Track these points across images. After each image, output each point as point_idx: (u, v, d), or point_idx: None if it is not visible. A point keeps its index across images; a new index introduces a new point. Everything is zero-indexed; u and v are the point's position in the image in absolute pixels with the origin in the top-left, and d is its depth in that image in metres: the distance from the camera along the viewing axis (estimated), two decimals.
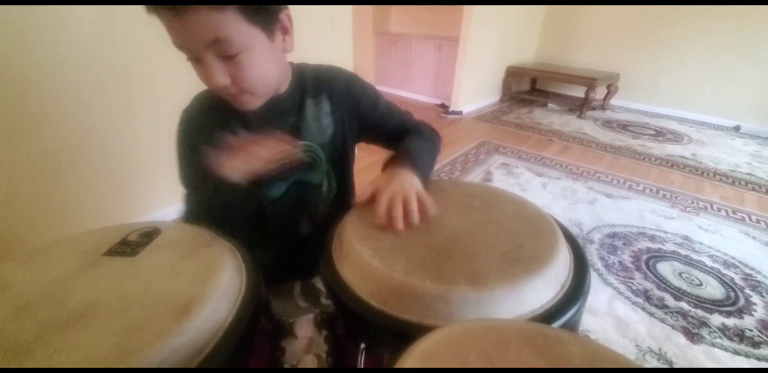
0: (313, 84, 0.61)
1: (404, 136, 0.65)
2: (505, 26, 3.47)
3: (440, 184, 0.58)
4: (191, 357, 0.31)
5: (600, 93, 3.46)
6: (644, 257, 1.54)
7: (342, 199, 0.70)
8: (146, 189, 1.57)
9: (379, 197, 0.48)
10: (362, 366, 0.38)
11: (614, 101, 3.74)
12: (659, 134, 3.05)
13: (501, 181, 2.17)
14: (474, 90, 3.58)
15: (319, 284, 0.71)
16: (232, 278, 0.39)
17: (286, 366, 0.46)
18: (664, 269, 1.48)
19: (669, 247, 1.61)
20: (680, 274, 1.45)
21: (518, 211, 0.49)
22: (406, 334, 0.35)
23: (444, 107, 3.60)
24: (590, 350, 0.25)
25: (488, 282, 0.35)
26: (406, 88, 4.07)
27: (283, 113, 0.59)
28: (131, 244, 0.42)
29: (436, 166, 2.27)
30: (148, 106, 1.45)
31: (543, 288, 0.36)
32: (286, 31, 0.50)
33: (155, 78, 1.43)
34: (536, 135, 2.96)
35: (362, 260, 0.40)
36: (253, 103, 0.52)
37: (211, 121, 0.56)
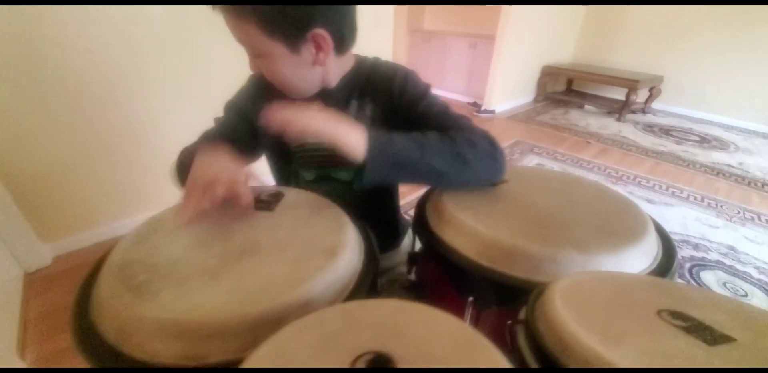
0: (364, 85, 0.60)
1: None
2: (543, 25, 3.42)
3: (518, 170, 0.62)
4: (341, 291, 0.37)
5: (641, 96, 3.37)
6: (688, 265, 1.52)
7: (379, 199, 0.70)
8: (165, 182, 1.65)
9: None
10: (470, 316, 0.43)
11: (656, 105, 3.63)
12: (704, 141, 2.95)
13: None
14: (507, 89, 3.55)
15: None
16: (355, 233, 0.45)
17: None
18: (708, 278, 1.46)
19: (713, 256, 1.58)
20: (725, 284, 1.43)
21: (600, 193, 0.53)
22: (514, 287, 0.40)
23: (476, 106, 3.60)
24: (705, 293, 0.29)
25: (591, 248, 0.39)
26: (438, 86, 4.08)
27: (327, 108, 0.60)
28: (265, 202, 0.48)
29: None
30: (183, 98, 1.52)
31: (639, 258, 0.40)
32: (320, 48, 0.50)
33: (193, 73, 1.50)
34: (573, 137, 2.92)
35: (467, 225, 0.45)
36: (290, 95, 0.56)
37: (263, 100, 0.57)
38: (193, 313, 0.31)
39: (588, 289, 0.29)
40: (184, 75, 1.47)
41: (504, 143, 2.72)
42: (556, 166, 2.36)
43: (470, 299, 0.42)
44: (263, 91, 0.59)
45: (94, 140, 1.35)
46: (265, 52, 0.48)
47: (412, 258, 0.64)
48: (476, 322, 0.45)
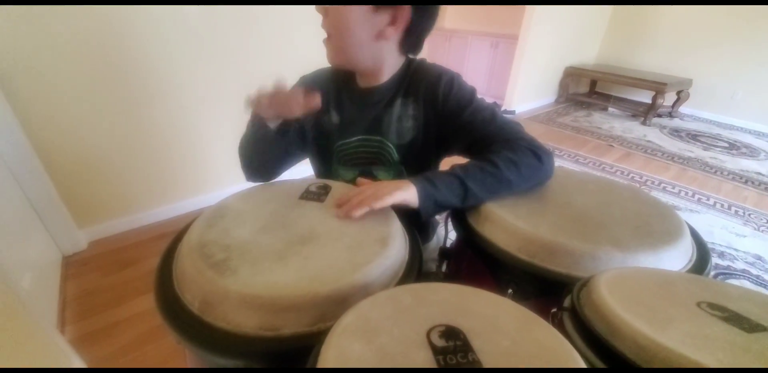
0: (409, 84, 0.61)
1: (478, 153, 0.56)
2: (567, 25, 3.36)
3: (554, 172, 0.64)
4: (394, 276, 0.41)
5: (668, 99, 3.29)
6: (713, 274, 1.49)
7: None
8: (205, 172, 1.71)
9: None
10: None
11: (684, 109, 3.53)
12: (733, 147, 2.87)
13: None
14: (529, 90, 3.52)
15: None
16: (400, 224, 0.48)
17: None
18: None
19: (739, 265, 1.55)
20: None
21: (635, 195, 0.55)
22: (554, 281, 0.42)
23: (496, 106, 3.57)
24: (741, 289, 0.31)
25: (630, 246, 0.42)
26: None
27: (374, 106, 0.62)
28: (315, 193, 0.52)
29: None
30: (216, 95, 1.58)
31: (677, 257, 0.42)
32: (393, 22, 0.53)
33: (225, 71, 1.56)
34: (595, 140, 2.88)
35: (506, 221, 0.48)
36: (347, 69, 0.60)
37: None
38: (271, 288, 0.34)
39: (631, 280, 0.32)
40: (217, 73, 1.54)
41: None
42: (577, 170, 2.34)
43: (509, 291, 0.44)
44: (329, 93, 0.63)
45: (131, 132, 1.43)
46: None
47: (444, 253, 0.67)
48: None
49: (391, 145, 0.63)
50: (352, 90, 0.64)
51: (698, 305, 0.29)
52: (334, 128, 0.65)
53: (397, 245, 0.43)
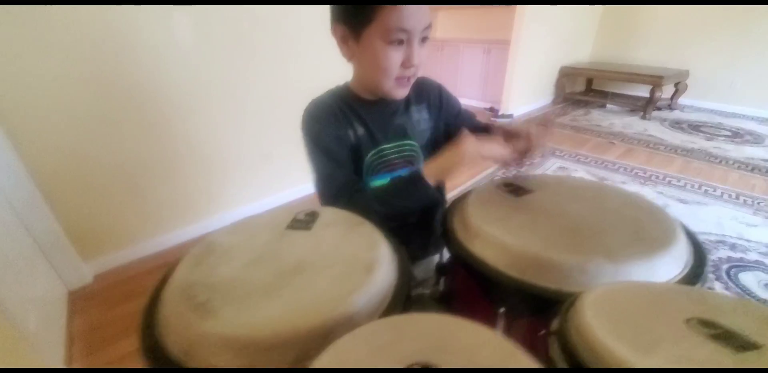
0: (416, 93, 0.71)
1: (482, 130, 0.75)
2: (558, 26, 3.39)
3: (543, 179, 0.64)
4: (380, 304, 0.40)
5: (666, 92, 3.26)
6: (725, 267, 1.46)
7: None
8: (231, 187, 1.76)
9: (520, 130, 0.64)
10: (501, 328, 0.45)
11: (683, 100, 3.50)
12: (736, 135, 2.83)
13: None
14: (525, 92, 3.53)
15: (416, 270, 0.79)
16: (388, 248, 0.48)
17: None
18: (748, 279, 1.39)
19: (752, 256, 1.51)
20: (766, 285, 1.36)
21: (629, 200, 0.54)
22: (545, 298, 0.41)
23: (493, 111, 3.59)
24: (736, 300, 0.30)
25: (621, 256, 0.41)
26: (453, 93, 4.07)
27: (394, 114, 0.70)
28: (302, 221, 0.52)
29: (491, 170, 2.28)
30: (235, 111, 1.64)
31: (671, 264, 0.41)
32: None
33: (244, 86, 1.62)
34: (595, 138, 2.86)
35: (495, 238, 0.47)
36: (408, 89, 0.64)
37: (338, 122, 0.66)
38: (252, 328, 0.34)
39: (618, 299, 0.31)
40: (220, 98, 1.57)
41: None
42: (579, 169, 2.31)
43: (501, 310, 0.44)
44: (344, 111, 0.67)
45: (132, 159, 1.45)
46: (430, 26, 0.58)
47: (440, 269, 0.66)
48: (508, 332, 0.46)
49: (418, 146, 0.73)
50: (364, 103, 0.68)
51: (688, 322, 0.28)
52: (363, 139, 0.68)
53: (383, 270, 0.42)
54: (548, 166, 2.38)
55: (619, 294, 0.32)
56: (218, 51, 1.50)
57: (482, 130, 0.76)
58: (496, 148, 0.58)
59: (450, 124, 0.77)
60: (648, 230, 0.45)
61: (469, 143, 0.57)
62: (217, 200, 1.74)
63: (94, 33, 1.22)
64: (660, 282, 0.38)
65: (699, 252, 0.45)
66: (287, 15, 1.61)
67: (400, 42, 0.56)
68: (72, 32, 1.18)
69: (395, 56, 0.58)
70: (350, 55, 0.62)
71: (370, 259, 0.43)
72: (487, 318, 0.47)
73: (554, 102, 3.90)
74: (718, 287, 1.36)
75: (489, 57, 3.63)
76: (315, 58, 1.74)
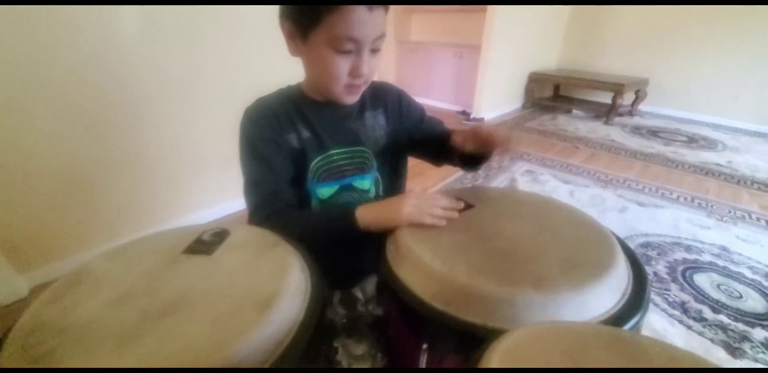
0: (372, 98, 0.67)
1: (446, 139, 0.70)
2: (526, 32, 3.46)
3: (486, 192, 0.59)
4: (273, 350, 0.33)
5: (627, 99, 3.38)
6: (680, 268, 1.49)
7: None
8: (181, 193, 1.64)
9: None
10: (424, 366, 0.39)
11: (643, 107, 3.64)
12: (692, 141, 2.95)
13: (526, 188, 2.15)
14: (495, 97, 3.57)
15: (358, 292, 0.73)
16: (300, 276, 0.41)
17: (342, 365, 0.48)
18: (702, 280, 1.42)
19: (706, 258, 1.55)
20: (719, 286, 1.39)
21: (570, 218, 0.50)
22: (470, 335, 0.36)
23: (465, 114, 3.60)
24: (670, 352, 0.26)
25: (553, 287, 0.36)
26: (426, 96, 4.10)
27: (346, 119, 0.65)
28: (206, 243, 0.45)
29: (459, 173, 2.27)
30: (189, 110, 1.52)
31: (607, 294, 0.37)
32: None
33: (198, 84, 1.51)
34: (561, 142, 2.92)
35: (422, 262, 0.42)
36: (359, 95, 0.60)
37: (280, 125, 0.60)
38: None
39: (534, 348, 0.26)
40: (172, 98, 1.45)
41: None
42: (545, 172, 2.33)
43: (424, 346, 0.38)
44: (289, 113, 0.61)
45: (76, 161, 1.30)
46: (382, 37, 0.53)
47: (381, 288, 0.60)
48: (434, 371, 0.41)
49: (371, 153, 0.67)
50: (313, 104, 0.62)
51: None
52: (309, 144, 0.62)
53: (284, 305, 0.36)
54: (516, 170, 2.39)
55: (537, 342, 0.27)
56: (169, 45, 1.38)
57: (447, 138, 0.71)
58: (437, 210, 0.51)
59: (412, 131, 0.73)
60: (585, 253, 0.41)
61: (409, 206, 0.51)
62: (172, 205, 1.61)
63: (29, 25, 1.09)
64: (588, 324, 0.33)
65: (640, 277, 0.41)
66: (248, 10, 1.52)
67: (349, 52, 0.52)
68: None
69: (343, 65, 0.53)
70: (297, 53, 0.56)
71: (270, 292, 0.36)
72: (414, 354, 0.41)
73: (524, 107, 3.96)
74: (674, 288, 1.38)
75: (461, 61, 3.64)
76: (276, 57, 1.64)
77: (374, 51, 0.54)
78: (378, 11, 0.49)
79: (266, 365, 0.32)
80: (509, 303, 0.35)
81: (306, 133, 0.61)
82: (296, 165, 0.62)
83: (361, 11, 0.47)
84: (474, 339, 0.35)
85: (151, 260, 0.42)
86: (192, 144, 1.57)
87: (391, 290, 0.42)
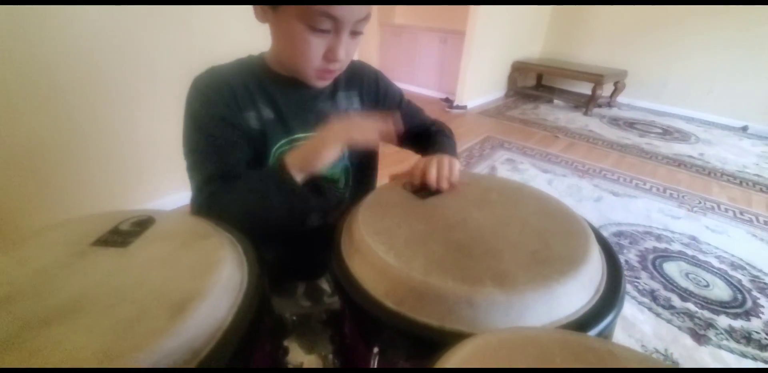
0: (347, 77, 0.60)
1: (426, 135, 0.67)
2: (511, 21, 3.41)
3: (459, 177, 0.54)
4: (187, 360, 0.28)
5: (607, 90, 3.41)
6: (651, 257, 1.51)
7: (359, 199, 0.68)
8: (145, 177, 1.53)
9: (418, 164, 0.52)
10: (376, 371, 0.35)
11: (621, 99, 3.69)
12: (666, 133, 3.01)
13: (506, 176, 2.14)
14: (479, 85, 3.52)
15: (324, 284, 0.68)
16: (233, 273, 0.35)
17: (290, 367, 0.43)
18: (671, 269, 1.45)
19: (676, 247, 1.58)
20: (687, 274, 1.43)
21: (542, 207, 0.46)
22: (425, 339, 0.31)
23: (448, 101, 3.54)
24: (638, 356, 0.22)
25: (518, 284, 0.32)
26: (410, 82, 4.01)
27: (315, 99, 0.57)
28: (123, 233, 0.38)
29: None
30: (146, 93, 1.40)
31: (577, 292, 0.33)
32: None
33: (154, 65, 1.38)
34: (542, 131, 2.92)
35: (375, 255, 0.37)
36: (330, 81, 0.55)
37: (237, 101, 0.52)
38: None
39: (494, 360, 0.22)
40: (129, 73, 1.32)
41: (475, 139, 2.69)
42: (525, 161, 2.33)
43: (375, 350, 0.33)
44: (249, 89, 0.52)
45: (28, 149, 1.18)
46: (366, 19, 0.47)
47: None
48: None
49: None
50: (279, 80, 0.54)
51: None
52: (270, 125, 0.54)
53: (203, 310, 0.30)
54: (496, 158, 2.38)
55: (498, 352, 0.22)
56: (120, 14, 1.25)
57: (424, 132, 0.68)
58: (365, 124, 0.49)
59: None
60: (555, 246, 0.37)
61: (330, 130, 0.48)
62: (134, 191, 1.50)
63: None
64: (556, 332, 0.29)
65: (614, 272, 0.38)
66: None
67: (326, 31, 0.44)
68: None
69: (317, 46, 0.46)
70: (265, 20, 0.48)
71: (188, 291, 0.30)
72: (366, 358, 0.37)
73: (506, 95, 3.94)
74: (644, 276, 1.40)
75: (445, 47, 3.56)
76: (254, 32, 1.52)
77: (355, 34, 0.47)
78: None
79: None
80: (469, 303, 0.31)
81: (268, 113, 0.54)
82: (254, 148, 0.54)
83: None
84: (429, 344, 0.31)
85: (51, 255, 0.35)
86: (157, 123, 1.45)
87: (340, 286, 0.37)
